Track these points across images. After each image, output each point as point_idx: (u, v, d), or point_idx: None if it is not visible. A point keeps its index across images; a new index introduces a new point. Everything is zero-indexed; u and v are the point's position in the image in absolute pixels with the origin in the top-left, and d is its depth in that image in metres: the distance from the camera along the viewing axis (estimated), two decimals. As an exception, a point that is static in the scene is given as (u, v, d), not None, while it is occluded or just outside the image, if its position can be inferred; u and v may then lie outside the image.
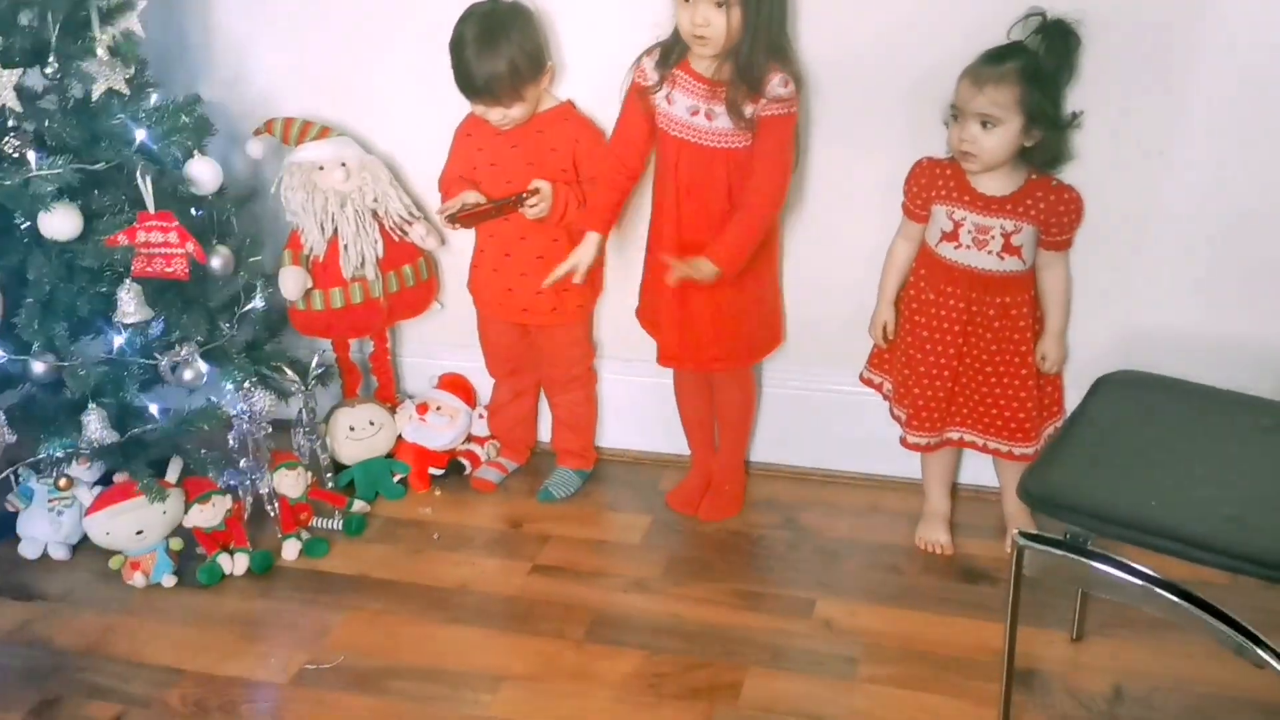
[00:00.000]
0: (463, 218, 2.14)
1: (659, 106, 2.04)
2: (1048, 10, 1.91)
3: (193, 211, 2.18)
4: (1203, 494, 1.53)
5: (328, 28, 2.36)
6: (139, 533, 2.19)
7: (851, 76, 2.12)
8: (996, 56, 1.90)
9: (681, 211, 2.07)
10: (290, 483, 2.31)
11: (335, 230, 2.33)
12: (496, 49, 2.05)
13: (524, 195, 2.11)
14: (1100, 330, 2.17)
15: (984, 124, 1.89)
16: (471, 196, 2.18)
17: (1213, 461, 1.61)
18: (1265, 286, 2.08)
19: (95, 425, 2.06)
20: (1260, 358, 2.10)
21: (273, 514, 2.31)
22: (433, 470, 2.50)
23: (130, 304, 2.04)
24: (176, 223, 2.07)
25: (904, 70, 2.08)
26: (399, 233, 2.39)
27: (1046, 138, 1.94)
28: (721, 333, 2.15)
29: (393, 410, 2.54)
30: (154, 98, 2.13)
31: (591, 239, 2.15)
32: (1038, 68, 1.89)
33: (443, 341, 2.59)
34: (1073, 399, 2.11)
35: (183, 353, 2.14)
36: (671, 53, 2.02)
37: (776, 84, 1.94)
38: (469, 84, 2.10)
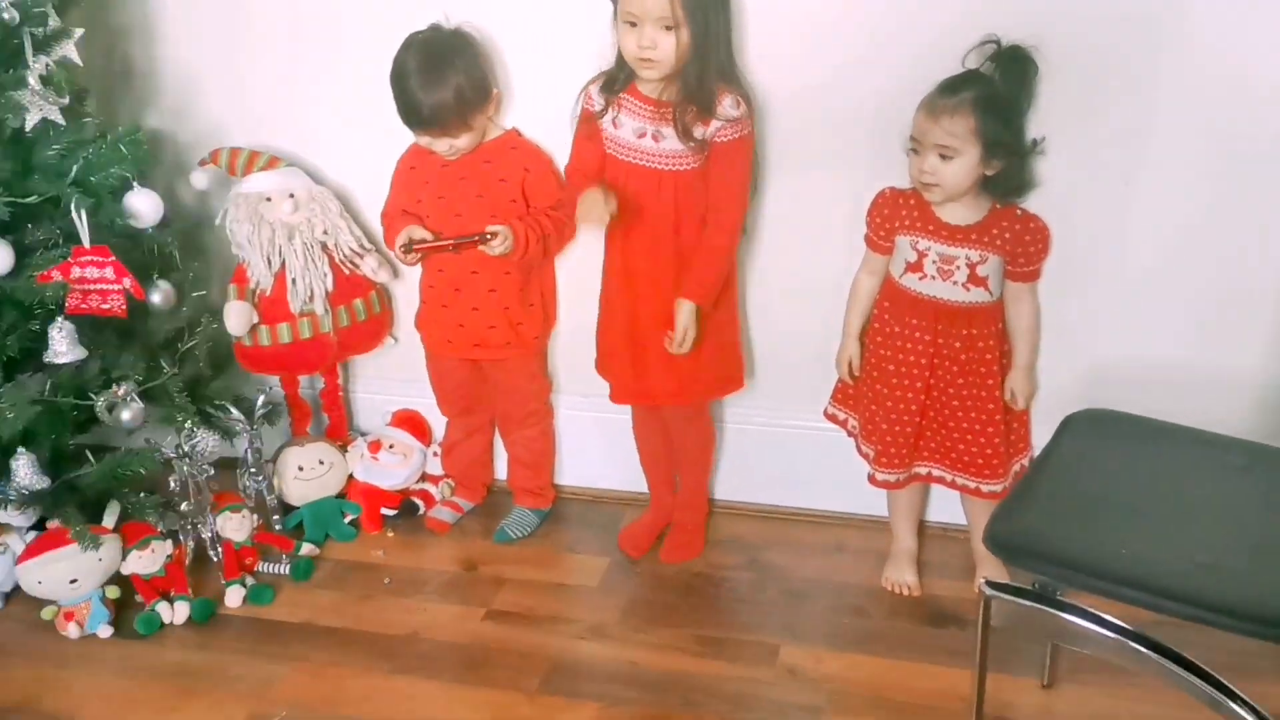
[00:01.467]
0: (419, 249, 2.07)
1: (605, 131, 1.99)
2: (1003, 37, 1.87)
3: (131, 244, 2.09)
4: (1175, 540, 1.47)
5: (275, 56, 2.29)
6: (73, 581, 2.09)
7: (808, 107, 2.06)
8: (950, 87, 1.85)
9: (629, 236, 2.01)
10: (235, 526, 2.23)
11: (283, 263, 2.25)
12: (442, 78, 1.98)
13: (485, 235, 2.03)
14: (1068, 364, 2.12)
15: (942, 155, 1.84)
16: (418, 232, 2.11)
17: (1185, 504, 1.56)
18: (1237, 318, 2.04)
19: (25, 470, 1.97)
20: (1233, 391, 2.06)
21: (216, 559, 2.22)
22: (385, 511, 2.42)
23: (62, 343, 1.95)
24: (113, 257, 1.99)
25: (862, 100, 2.03)
26: (349, 266, 2.32)
27: (1008, 166, 1.89)
28: (673, 367, 2.08)
29: (344, 449, 2.45)
30: (91, 128, 2.05)
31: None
32: (993, 96, 1.84)
33: (397, 377, 2.51)
34: (1040, 434, 2.07)
35: (120, 392, 2.06)
36: (616, 79, 1.97)
37: (728, 105, 1.89)
38: (414, 115, 2.03)
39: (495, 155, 2.13)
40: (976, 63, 1.88)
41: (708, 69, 1.88)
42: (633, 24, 1.85)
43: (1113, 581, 1.39)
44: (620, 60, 1.94)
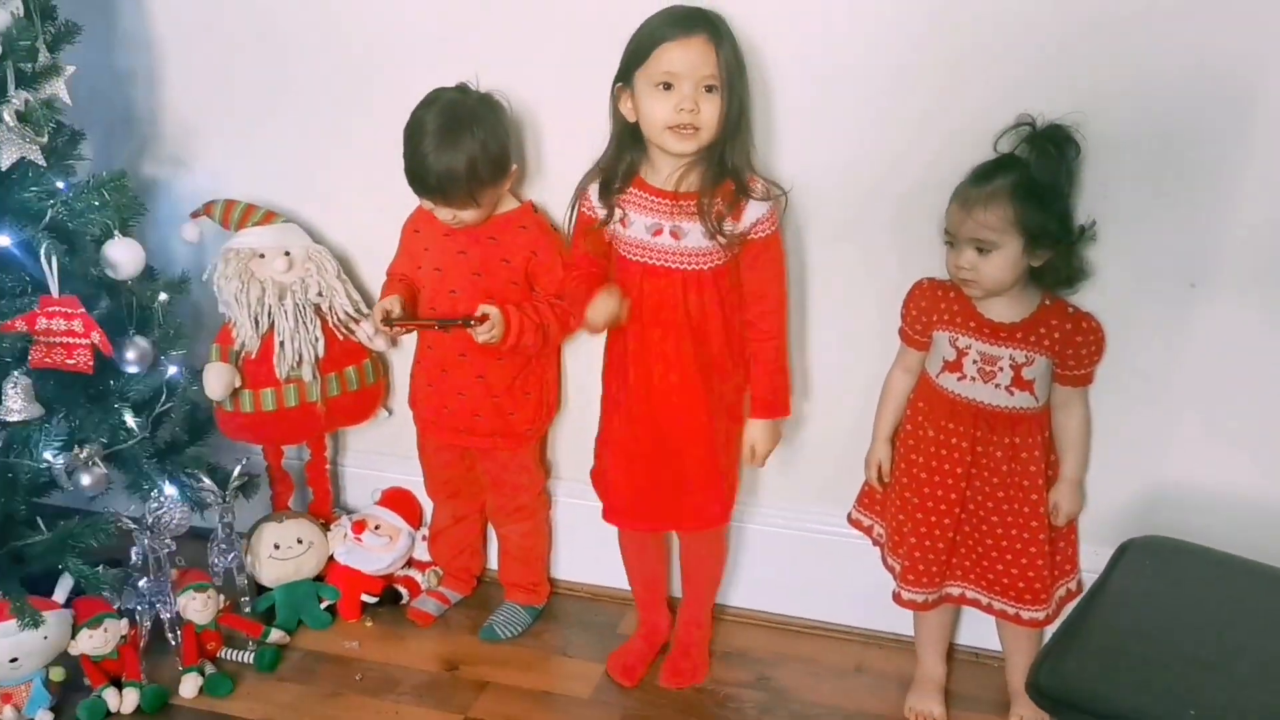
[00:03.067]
0: (400, 324, 1.90)
1: (614, 231, 1.81)
2: (1046, 114, 1.70)
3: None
4: (1253, 702, 1.26)
5: (284, 108, 2.16)
6: (13, 660, 1.90)
7: (835, 195, 1.90)
8: (983, 175, 1.69)
9: (647, 346, 1.82)
10: (197, 607, 2.04)
11: (271, 324, 2.10)
12: (457, 145, 1.81)
13: (471, 320, 1.86)
14: (1121, 482, 1.91)
15: (979, 249, 1.67)
16: (397, 304, 1.95)
17: (1264, 658, 1.34)
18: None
19: (-37, 535, 1.80)
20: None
21: (175, 643, 2.03)
22: (366, 597, 2.23)
23: (16, 399, 1.80)
24: (82, 310, 1.84)
25: (890, 185, 1.87)
26: (344, 331, 2.16)
27: (1055, 256, 1.71)
28: (713, 486, 1.91)
29: (326, 527, 2.27)
30: (76, 172, 1.92)
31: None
32: (1031, 182, 1.67)
33: (389, 453, 2.33)
34: (1088, 557, 1.87)
35: (82, 455, 1.89)
36: (615, 177, 1.78)
37: (759, 196, 1.73)
38: (421, 179, 1.87)
39: (503, 232, 1.96)
40: (1010, 146, 1.72)
41: (737, 149, 1.71)
42: (667, 86, 1.67)
43: (1180, 751, 1.18)
44: (618, 149, 1.77)
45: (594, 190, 1.80)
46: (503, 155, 1.86)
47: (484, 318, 1.85)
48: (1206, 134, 1.71)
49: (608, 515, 1.98)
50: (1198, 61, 1.68)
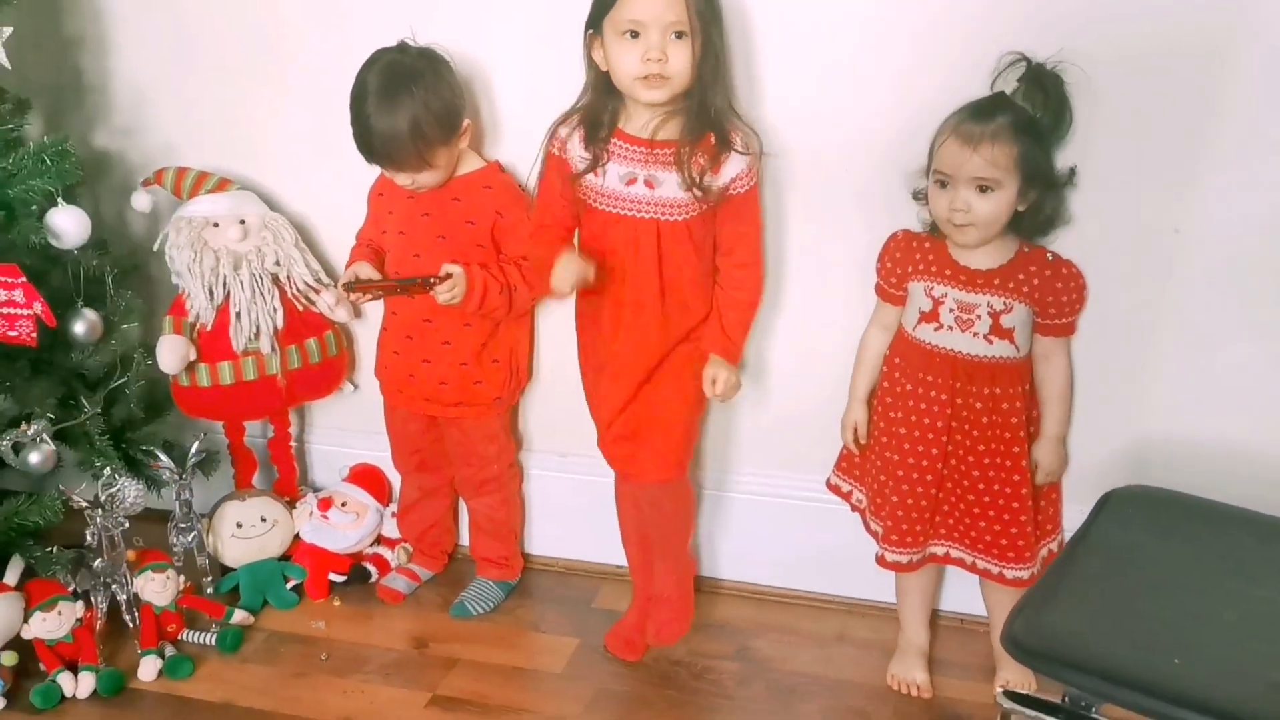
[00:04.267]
0: (360, 288, 1.83)
1: (587, 181, 1.73)
2: (1031, 55, 1.63)
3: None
4: (1241, 651, 1.19)
5: (236, 73, 2.09)
6: (-38, 645, 1.84)
7: (813, 151, 1.83)
8: (984, 111, 1.61)
9: (619, 297, 1.75)
10: (156, 588, 1.97)
11: (227, 295, 2.03)
12: (397, 105, 1.74)
13: (432, 280, 1.79)
14: (1104, 437, 1.84)
15: (981, 189, 1.60)
16: (365, 270, 1.89)
17: (1251, 606, 1.28)
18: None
19: (-95, 515, 1.73)
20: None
21: (133, 625, 1.96)
22: (333, 576, 2.16)
23: (-47, 373, 1.73)
24: (23, 278, 1.78)
25: (870, 140, 1.79)
26: (303, 301, 2.09)
27: (1040, 200, 1.64)
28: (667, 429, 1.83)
29: (291, 505, 2.20)
30: (15, 137, 1.85)
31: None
32: (1031, 121, 1.61)
33: (356, 428, 2.26)
34: (1071, 516, 1.80)
35: (29, 431, 1.83)
36: (601, 122, 1.70)
37: (740, 149, 1.66)
38: (367, 144, 1.79)
39: (467, 193, 1.89)
40: (1005, 86, 1.65)
41: (717, 96, 1.64)
42: (634, 34, 1.59)
43: (1164, 700, 1.11)
44: (596, 96, 1.70)
45: (575, 137, 1.72)
46: (449, 112, 1.79)
47: (446, 277, 1.78)
48: (1190, 75, 1.64)
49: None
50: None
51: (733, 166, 1.67)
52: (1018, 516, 1.74)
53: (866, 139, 1.80)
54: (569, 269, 1.70)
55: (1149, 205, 1.72)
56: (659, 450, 1.84)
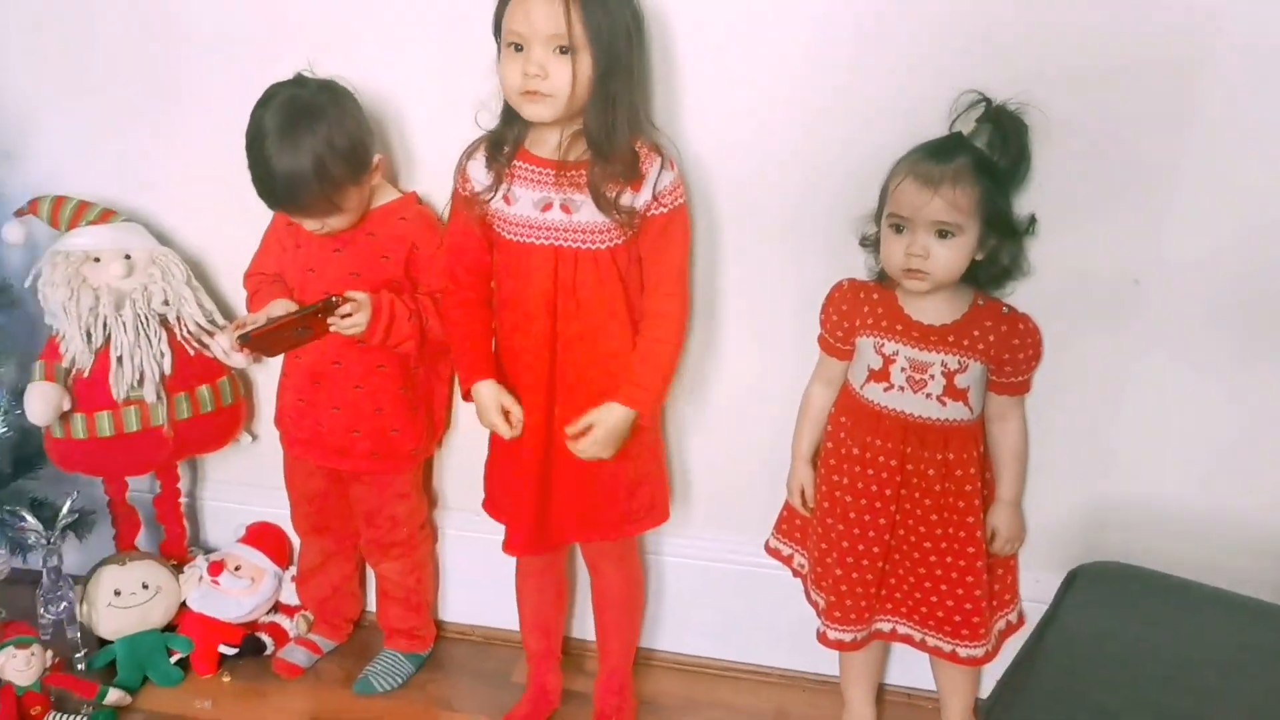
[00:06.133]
0: (256, 337, 1.64)
1: (496, 211, 1.58)
2: (992, 97, 1.52)
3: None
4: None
5: (124, 98, 1.89)
6: None
7: (753, 184, 1.70)
8: (943, 151, 1.50)
9: (530, 337, 1.59)
10: (18, 666, 1.76)
11: (108, 338, 1.83)
12: (298, 145, 1.57)
13: (333, 300, 1.62)
14: (1063, 501, 1.74)
15: (941, 233, 1.48)
16: (280, 307, 1.70)
17: (1231, 695, 1.16)
18: (1271, 454, 1.66)
19: None
20: (1263, 543, 1.68)
21: (-11, 709, 1.74)
22: (223, 649, 1.96)
23: None
24: None
25: (818, 176, 1.67)
26: (195, 345, 1.90)
27: (998, 249, 1.53)
28: (587, 494, 1.66)
29: (179, 569, 2.00)
30: None
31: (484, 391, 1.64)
32: (990, 163, 1.50)
33: (255, 482, 2.07)
34: (1027, 584, 1.70)
35: None
36: (504, 142, 1.56)
37: (658, 167, 1.52)
38: (268, 190, 1.62)
39: (381, 225, 1.73)
40: (963, 127, 1.54)
41: (615, 115, 1.49)
42: (518, 47, 1.46)
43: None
44: (506, 115, 1.56)
45: (477, 161, 1.58)
46: (356, 148, 1.63)
47: (346, 300, 1.62)
48: (1153, 120, 1.55)
49: (505, 545, 1.74)
50: (1141, 40, 1.51)
51: (651, 183, 1.52)
52: (972, 591, 1.61)
53: (810, 177, 1.67)
54: (490, 410, 1.62)
55: (1108, 255, 1.62)
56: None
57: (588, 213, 1.53)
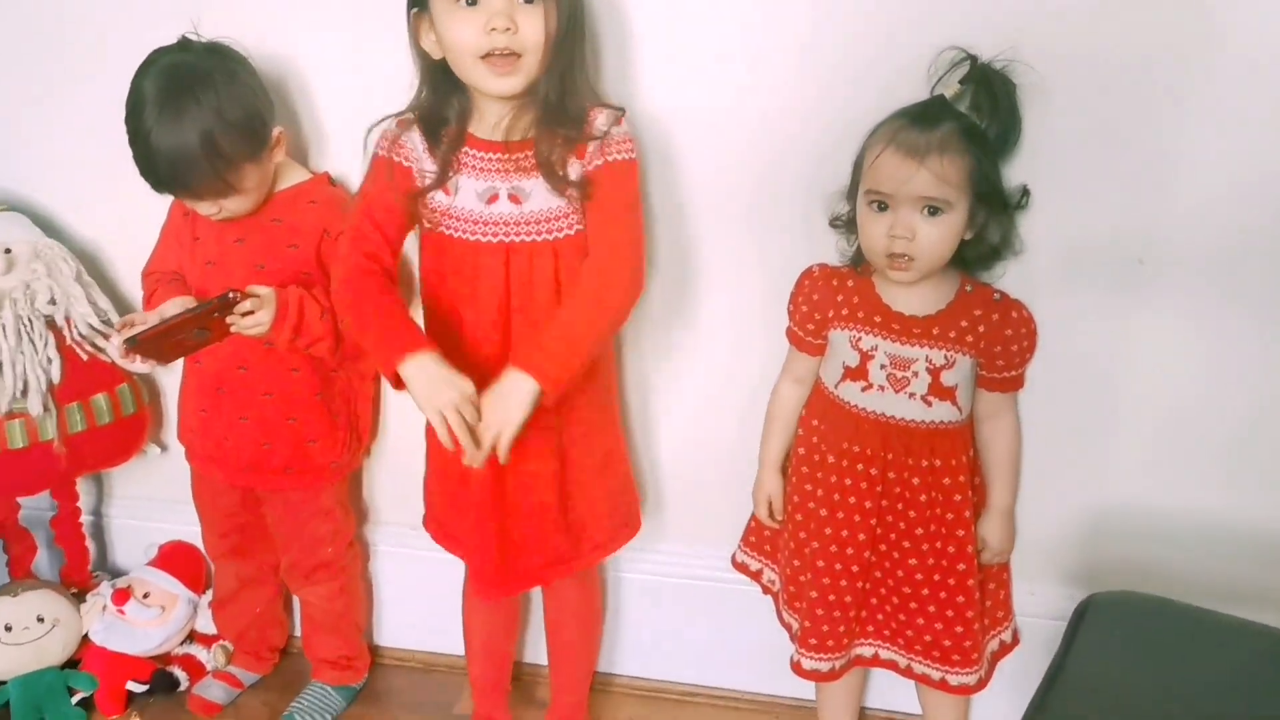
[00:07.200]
0: (145, 340, 1.42)
1: (434, 204, 1.36)
2: (978, 54, 1.33)
3: None
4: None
5: (4, 66, 1.67)
6: None
7: (715, 157, 1.50)
8: (927, 117, 1.31)
9: (510, 352, 1.35)
10: (-110, 719, 1.55)
11: (-15, 344, 1.62)
12: (183, 117, 1.37)
13: (231, 296, 1.41)
14: (1057, 505, 1.56)
15: (930, 210, 1.30)
16: (175, 306, 1.49)
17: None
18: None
19: None
20: (1271, 542, 1.52)
21: None
22: (132, 686, 1.77)
23: None
24: None
25: (787, 152, 1.47)
26: (87, 348, 1.69)
27: (989, 226, 1.35)
28: (560, 522, 1.46)
29: (81, 597, 1.80)
30: None
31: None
32: (979, 129, 1.31)
33: (166, 497, 1.86)
34: (1020, 596, 1.55)
35: None
36: (446, 121, 1.33)
37: (605, 120, 1.32)
38: (151, 169, 1.41)
39: (289, 210, 1.52)
40: (948, 90, 1.35)
41: (575, 78, 1.30)
42: (470, 2, 1.24)
43: None
44: (437, 91, 1.33)
45: (415, 142, 1.35)
46: (250, 119, 1.42)
47: (244, 297, 1.41)
48: (1156, 79, 1.36)
49: (473, 588, 1.56)
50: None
51: (598, 139, 1.31)
52: (963, 613, 1.44)
53: (775, 149, 1.48)
54: (438, 385, 1.27)
55: (1108, 230, 1.43)
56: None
57: (540, 199, 1.33)
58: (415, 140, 1.36)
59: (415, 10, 1.30)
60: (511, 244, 1.35)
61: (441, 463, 1.49)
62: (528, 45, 1.24)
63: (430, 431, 1.49)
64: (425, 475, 1.57)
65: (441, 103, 1.34)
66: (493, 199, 1.34)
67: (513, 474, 1.40)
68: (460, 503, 1.47)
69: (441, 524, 1.54)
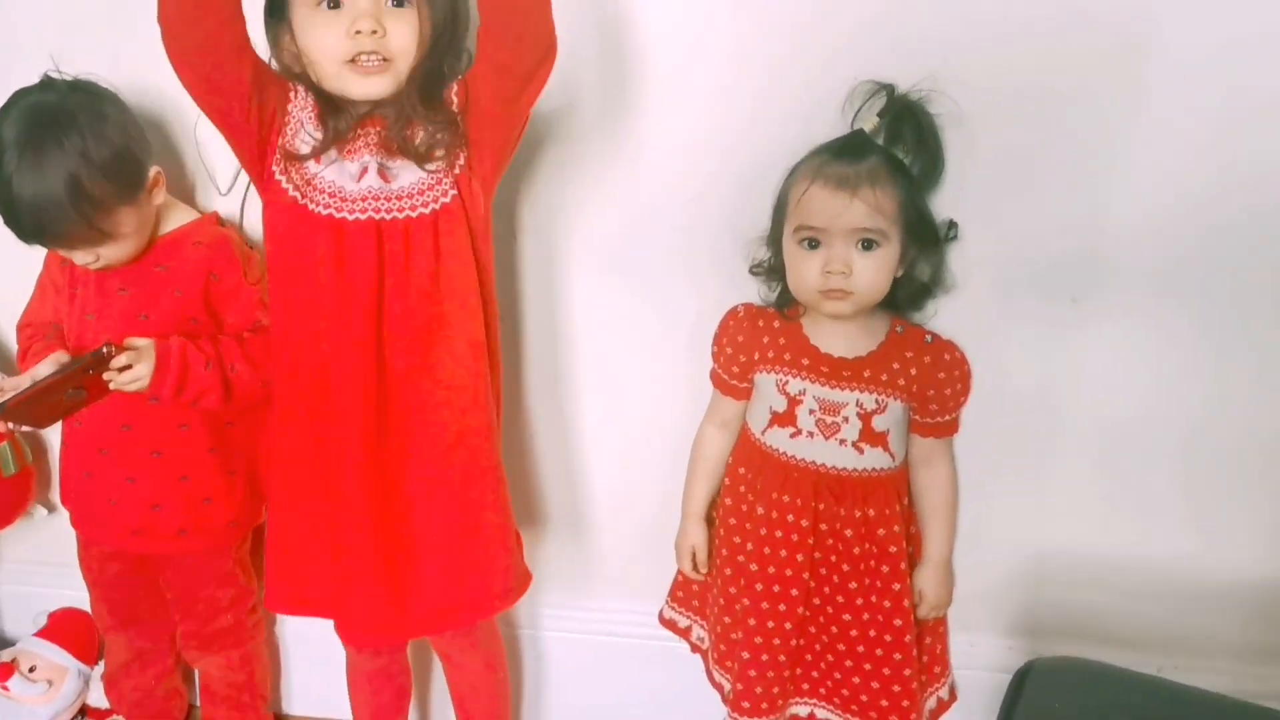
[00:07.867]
0: (14, 406, 1.30)
1: (311, 174, 1.24)
2: (896, 86, 1.29)
3: None
4: None
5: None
6: None
7: (629, 194, 1.44)
8: (850, 149, 1.25)
9: (382, 349, 1.25)
10: None
11: None
12: (44, 162, 1.26)
13: (105, 351, 1.31)
14: (999, 554, 1.51)
15: (866, 243, 1.24)
16: (49, 365, 1.38)
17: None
18: (1228, 497, 1.44)
19: None
20: (1217, 589, 1.48)
21: None
22: (15, 770, 1.63)
23: None
24: None
25: (714, 177, 1.41)
26: (-38, 404, 1.56)
27: (919, 262, 1.31)
28: (444, 571, 1.35)
29: (-41, 673, 1.66)
30: None
31: None
32: (901, 162, 1.26)
33: (54, 560, 1.73)
34: (958, 647, 1.50)
35: None
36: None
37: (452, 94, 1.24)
38: (14, 218, 1.30)
39: (173, 255, 1.41)
40: (867, 123, 1.29)
41: (440, 75, 1.23)
42: (333, 3, 1.16)
43: None
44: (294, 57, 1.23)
45: (303, 105, 1.25)
46: (122, 160, 1.31)
47: (120, 351, 1.31)
48: (1085, 106, 1.32)
49: (347, 635, 1.45)
50: (1074, 12, 1.28)
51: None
52: (900, 670, 1.37)
53: (697, 186, 1.42)
54: None
55: (1041, 260, 1.39)
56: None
57: (411, 173, 1.23)
58: (302, 104, 1.25)
59: (273, 20, 1.21)
60: (381, 222, 1.23)
61: (298, 515, 1.35)
62: (396, 49, 1.17)
63: (277, 485, 1.37)
64: (269, 531, 1.41)
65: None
66: (362, 174, 1.24)
67: (400, 503, 1.30)
68: (326, 554, 1.34)
69: (298, 587, 1.39)
